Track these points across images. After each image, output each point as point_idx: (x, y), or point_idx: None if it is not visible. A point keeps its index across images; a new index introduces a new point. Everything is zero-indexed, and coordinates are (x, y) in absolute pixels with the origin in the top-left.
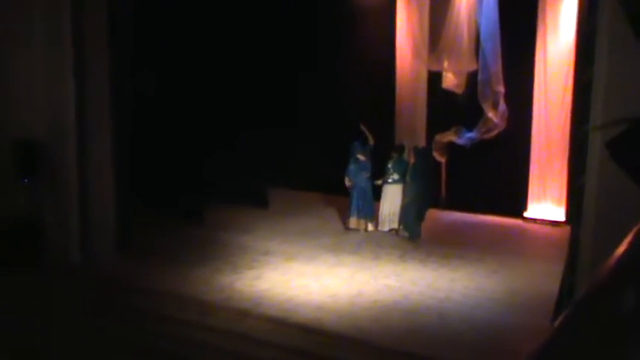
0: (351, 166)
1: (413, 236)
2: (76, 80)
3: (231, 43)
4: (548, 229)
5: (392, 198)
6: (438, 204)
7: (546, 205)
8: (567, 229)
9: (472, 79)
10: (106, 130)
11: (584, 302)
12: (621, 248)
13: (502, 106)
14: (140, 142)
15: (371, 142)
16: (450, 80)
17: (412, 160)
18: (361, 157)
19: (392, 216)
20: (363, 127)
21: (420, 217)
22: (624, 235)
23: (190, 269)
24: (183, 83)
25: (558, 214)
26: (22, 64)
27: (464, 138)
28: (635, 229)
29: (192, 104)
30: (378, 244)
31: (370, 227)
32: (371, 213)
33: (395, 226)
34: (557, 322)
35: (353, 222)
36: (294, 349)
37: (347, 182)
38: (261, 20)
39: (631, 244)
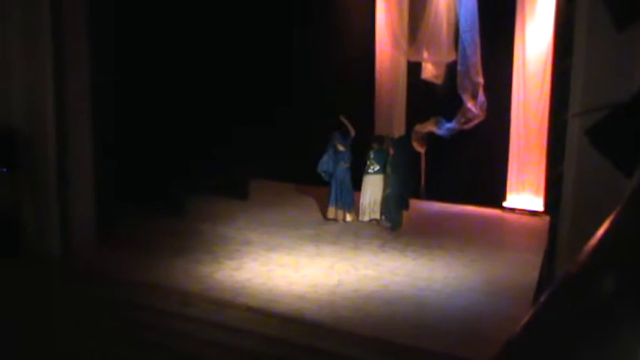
0: (325, 157)
1: (395, 226)
2: (56, 70)
3: (207, 37)
4: (526, 218)
5: (372, 188)
6: (418, 194)
7: (525, 195)
8: (546, 218)
9: (451, 69)
10: (87, 121)
11: (565, 283)
12: (601, 230)
13: (481, 96)
14: (120, 134)
15: (352, 133)
16: (430, 71)
17: (391, 152)
18: (341, 148)
19: (372, 206)
20: (343, 119)
21: (403, 206)
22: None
23: (171, 260)
24: (164, 77)
25: (537, 204)
26: None
27: (443, 128)
28: (614, 212)
29: (173, 97)
30: (358, 235)
31: (348, 217)
32: (349, 203)
33: (375, 216)
34: (538, 302)
35: (331, 212)
36: (275, 338)
37: (320, 172)
38: (239, 12)
39: (610, 227)
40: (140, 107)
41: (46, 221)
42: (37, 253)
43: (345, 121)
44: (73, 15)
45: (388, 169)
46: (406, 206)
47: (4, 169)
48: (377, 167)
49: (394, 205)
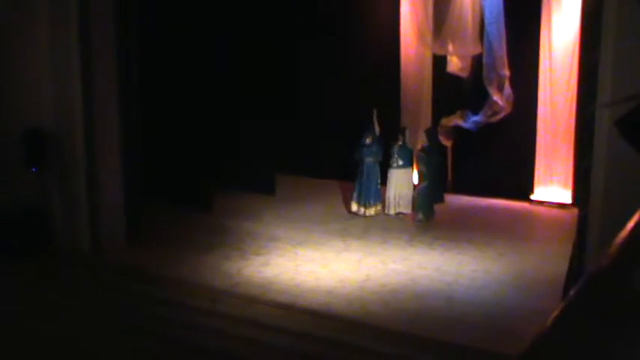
0: (363, 149)
1: (428, 218)
2: (83, 68)
3: (236, 31)
4: (555, 211)
5: (397, 182)
6: (445, 188)
7: (553, 187)
8: (574, 211)
9: (477, 62)
10: (114, 118)
11: (596, 276)
12: (631, 223)
13: (507, 89)
14: (148, 130)
15: (377, 131)
16: (455, 64)
17: (422, 144)
18: (368, 140)
19: (398, 200)
20: (374, 117)
21: (438, 199)
22: (633, 214)
23: (198, 256)
24: (190, 73)
25: (565, 196)
26: (28, 52)
27: (469, 122)
28: None
29: (200, 94)
30: (386, 229)
31: (370, 212)
32: (372, 198)
33: (402, 210)
34: (568, 296)
35: (353, 206)
36: (304, 334)
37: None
38: (265, 6)
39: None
40: (167, 105)
41: (75, 219)
42: (67, 251)
43: (374, 118)
44: (100, 15)
45: (423, 163)
46: (441, 199)
47: (34, 169)
48: (401, 161)
49: (429, 197)
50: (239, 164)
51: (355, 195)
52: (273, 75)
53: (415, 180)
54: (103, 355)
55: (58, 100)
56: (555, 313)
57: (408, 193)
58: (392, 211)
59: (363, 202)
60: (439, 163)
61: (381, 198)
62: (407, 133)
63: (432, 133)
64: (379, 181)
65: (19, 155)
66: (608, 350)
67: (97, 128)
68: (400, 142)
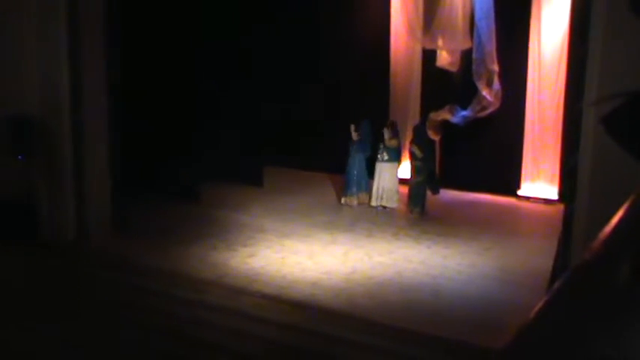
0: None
1: (422, 211)
2: (71, 57)
3: (225, 20)
4: (541, 207)
5: (382, 176)
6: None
7: (540, 183)
8: (560, 207)
9: (466, 57)
10: (101, 108)
11: (579, 270)
12: (616, 218)
13: (496, 84)
14: (134, 120)
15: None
16: (445, 58)
17: (415, 142)
18: (355, 137)
19: (381, 193)
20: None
21: (434, 192)
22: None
23: (185, 247)
24: (176, 63)
25: (551, 192)
26: (15, 40)
27: (458, 116)
28: (629, 200)
29: (187, 83)
30: (372, 222)
31: (357, 201)
32: (350, 188)
33: (384, 204)
34: (551, 289)
35: (343, 198)
36: (290, 325)
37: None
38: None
39: (625, 215)
40: (155, 95)
41: (61, 207)
42: (53, 239)
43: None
44: (88, 3)
45: (418, 159)
46: (437, 190)
47: (20, 157)
48: (387, 156)
49: (423, 192)
50: (227, 155)
51: (345, 188)
52: (262, 67)
53: (402, 175)
54: (87, 346)
55: (44, 88)
56: (539, 307)
57: (391, 187)
58: (373, 203)
59: (349, 195)
60: (432, 157)
61: (362, 188)
62: (396, 127)
63: (420, 129)
64: (356, 172)
65: (4, 143)
66: (590, 343)
67: (83, 117)
68: (388, 135)
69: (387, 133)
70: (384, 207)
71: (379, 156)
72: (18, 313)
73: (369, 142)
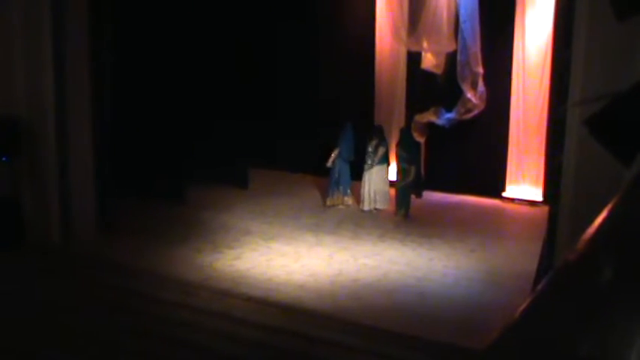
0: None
1: (407, 213)
2: (56, 57)
3: (210, 25)
4: (525, 208)
5: (372, 179)
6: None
7: (524, 185)
8: (545, 209)
9: (451, 59)
10: (86, 109)
11: (563, 271)
12: (599, 219)
13: (481, 86)
14: (120, 121)
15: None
16: (430, 61)
17: (401, 144)
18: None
19: (373, 196)
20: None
21: (417, 194)
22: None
23: (170, 249)
24: (162, 66)
25: (536, 194)
26: None
27: (443, 118)
28: (612, 201)
29: (173, 85)
30: (358, 224)
31: (348, 201)
32: (338, 192)
33: (377, 206)
34: (536, 290)
35: (330, 200)
36: (275, 327)
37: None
38: (241, 2)
39: (608, 216)
40: (140, 96)
41: (46, 209)
42: (38, 241)
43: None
44: (74, 5)
45: (405, 161)
46: (420, 194)
47: (4, 158)
48: (375, 159)
49: (409, 194)
50: (212, 157)
51: (330, 189)
52: (248, 70)
53: (391, 177)
54: (71, 346)
55: (29, 89)
56: (523, 306)
57: (383, 189)
58: (366, 207)
59: (329, 195)
60: (418, 160)
61: (343, 191)
62: (382, 132)
63: (406, 132)
64: (338, 174)
65: None
66: (573, 343)
67: (68, 118)
68: (375, 141)
69: (373, 140)
70: (378, 209)
71: (367, 162)
72: (1, 314)
73: (352, 145)
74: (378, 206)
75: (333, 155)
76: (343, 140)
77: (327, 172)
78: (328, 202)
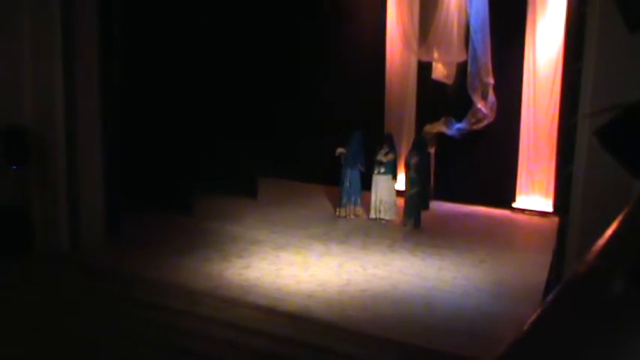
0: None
1: (417, 224)
2: (65, 66)
3: (219, 33)
4: (536, 219)
5: (378, 188)
6: (429, 194)
7: (534, 196)
8: (555, 220)
9: (462, 70)
10: (95, 119)
11: (573, 283)
12: (609, 231)
13: (491, 97)
14: (128, 131)
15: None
16: (440, 71)
17: (413, 156)
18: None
19: (379, 206)
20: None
21: (424, 206)
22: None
23: (179, 258)
24: (171, 76)
25: (546, 205)
26: (9, 49)
27: (453, 129)
28: (623, 213)
29: (181, 96)
30: (367, 234)
31: (358, 212)
32: (349, 202)
33: (382, 216)
34: (545, 302)
35: (341, 210)
36: (283, 337)
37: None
38: (252, 8)
39: (619, 228)
40: (148, 106)
41: (55, 218)
42: (47, 250)
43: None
44: (83, 13)
45: (411, 170)
46: (426, 205)
47: (14, 167)
48: (383, 169)
49: (418, 203)
50: (221, 167)
51: (342, 200)
52: (257, 78)
53: (399, 187)
54: (78, 355)
55: (38, 97)
56: (532, 318)
57: (389, 199)
58: (372, 215)
59: (339, 204)
60: (427, 170)
61: (354, 201)
62: (392, 140)
63: (420, 141)
64: (349, 184)
65: None
66: (584, 355)
67: (77, 127)
68: (384, 149)
69: (383, 148)
70: (382, 219)
71: (375, 169)
72: (9, 321)
73: (361, 154)
74: (383, 216)
75: (339, 150)
76: (350, 147)
77: (337, 182)
78: (339, 213)
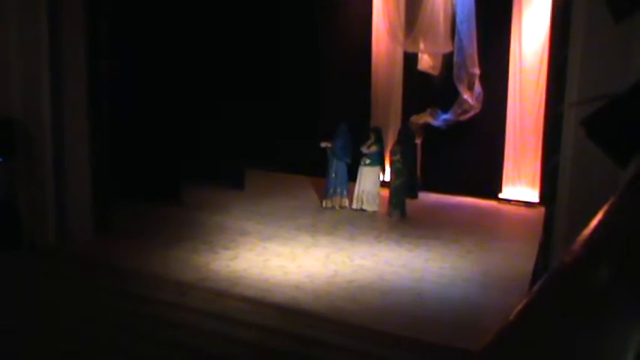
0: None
1: (403, 214)
2: (52, 60)
3: (205, 28)
4: (522, 210)
5: (362, 179)
6: (417, 184)
7: (521, 186)
8: (541, 210)
9: (448, 60)
10: (83, 110)
11: (559, 272)
12: (595, 221)
13: (477, 87)
14: (116, 123)
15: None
16: (426, 62)
17: (398, 142)
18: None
19: (361, 196)
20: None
21: (412, 195)
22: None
23: (167, 249)
24: (159, 68)
25: (532, 195)
26: None
27: (439, 119)
28: (608, 203)
29: (169, 86)
30: (354, 225)
31: (344, 204)
32: (334, 193)
33: (363, 206)
34: (531, 291)
35: (327, 201)
36: (271, 328)
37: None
38: (238, 3)
39: (604, 218)
40: (136, 98)
41: (42, 210)
42: (34, 242)
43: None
44: (70, 6)
45: (399, 161)
46: (415, 194)
47: (1, 159)
48: (368, 160)
49: (404, 194)
50: (209, 158)
51: (328, 191)
52: (244, 71)
53: (384, 178)
54: (67, 348)
55: (26, 90)
56: (518, 308)
57: (372, 190)
58: (354, 205)
59: (325, 196)
60: (413, 160)
61: (340, 193)
62: (380, 134)
63: (407, 132)
64: (335, 175)
65: None
66: (569, 344)
67: (65, 119)
68: (370, 141)
69: (369, 140)
70: (364, 210)
71: (361, 161)
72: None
73: (348, 145)
74: (365, 207)
75: (324, 144)
76: (337, 140)
77: (323, 173)
78: (325, 204)
